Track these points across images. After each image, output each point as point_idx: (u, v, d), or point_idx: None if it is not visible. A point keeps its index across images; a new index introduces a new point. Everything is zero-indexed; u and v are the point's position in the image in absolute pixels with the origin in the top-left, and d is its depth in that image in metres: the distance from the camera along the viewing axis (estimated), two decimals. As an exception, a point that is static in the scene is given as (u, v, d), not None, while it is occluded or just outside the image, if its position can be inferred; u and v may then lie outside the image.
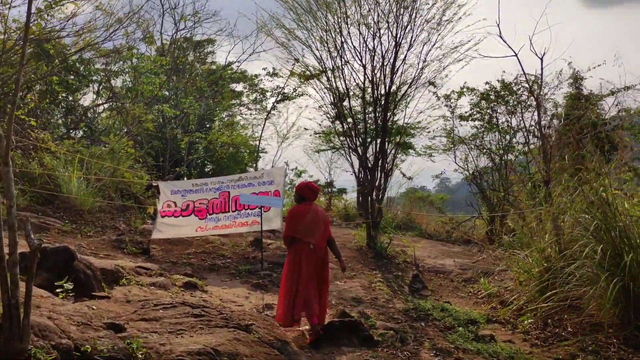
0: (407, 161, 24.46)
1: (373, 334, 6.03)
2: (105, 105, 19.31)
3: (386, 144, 11.23)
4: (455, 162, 16.82)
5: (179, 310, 5.10)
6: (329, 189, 22.88)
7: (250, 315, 5.71)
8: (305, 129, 19.57)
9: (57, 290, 4.83)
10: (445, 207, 21.08)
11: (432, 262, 10.61)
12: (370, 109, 11.59)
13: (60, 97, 16.20)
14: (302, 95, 16.66)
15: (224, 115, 24.35)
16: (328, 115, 19.33)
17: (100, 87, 18.80)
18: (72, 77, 17.09)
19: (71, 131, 15.84)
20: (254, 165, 25.12)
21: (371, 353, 5.57)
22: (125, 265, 6.99)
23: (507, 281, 8.98)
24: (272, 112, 18.03)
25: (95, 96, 18.84)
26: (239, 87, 24.34)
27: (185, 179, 18.18)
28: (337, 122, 18.57)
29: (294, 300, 5.87)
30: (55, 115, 17.14)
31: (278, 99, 17.10)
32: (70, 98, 17.20)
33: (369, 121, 11.73)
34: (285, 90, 17.02)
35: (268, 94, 17.84)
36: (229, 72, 22.14)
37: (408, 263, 10.39)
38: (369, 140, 11.57)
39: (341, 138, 20.18)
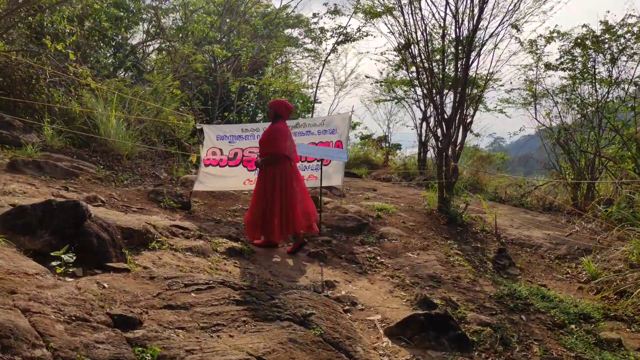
0: (475, 116, 22.44)
1: (466, 331, 4.64)
2: (155, 45, 18.26)
3: (467, 92, 9.52)
4: (536, 118, 14.87)
5: (217, 293, 3.83)
6: (386, 143, 21.28)
7: (309, 299, 4.41)
8: (367, 76, 17.87)
9: (53, 263, 3.62)
10: (505, 169, 19.21)
11: (515, 232, 9.03)
12: (451, 51, 9.86)
13: (108, 34, 15.11)
14: (366, 35, 14.89)
15: (277, 61, 22.89)
16: (390, 62, 17.67)
17: (150, 25, 17.66)
18: (121, 13, 15.98)
19: (117, 70, 14.76)
20: (309, 115, 23.71)
21: (466, 360, 4.20)
22: (158, 224, 5.79)
23: (616, 262, 7.34)
24: (332, 55, 16.33)
25: (144, 35, 17.78)
26: (294, 32, 22.75)
27: (235, 126, 17.00)
28: (404, 68, 16.86)
29: (287, 216, 6.19)
30: (104, 54, 16.11)
31: (339, 39, 15.36)
32: (119, 37, 16.15)
33: (449, 66, 10.03)
34: (348, 30, 15.25)
35: (328, 34, 16.08)
36: (283, 14, 20.46)
37: (487, 233, 8.85)
38: (445, 89, 9.88)
39: (404, 88, 18.50)
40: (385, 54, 16.75)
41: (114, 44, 16.01)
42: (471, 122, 9.75)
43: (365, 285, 5.62)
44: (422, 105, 18.05)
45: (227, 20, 19.27)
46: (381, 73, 18.16)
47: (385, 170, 18.41)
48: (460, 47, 9.44)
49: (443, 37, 9.63)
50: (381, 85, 17.94)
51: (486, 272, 6.95)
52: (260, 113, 21.67)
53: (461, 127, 9.54)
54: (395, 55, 17.02)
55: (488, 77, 9.95)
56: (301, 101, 22.85)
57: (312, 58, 24.64)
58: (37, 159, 7.00)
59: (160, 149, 10.27)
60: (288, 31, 22.68)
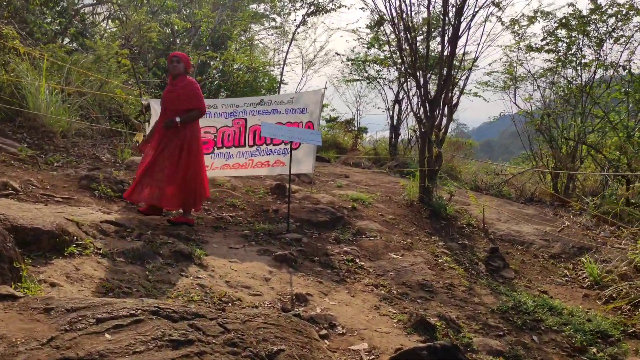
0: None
1: (476, 366, 3.63)
2: (105, 13, 16.62)
3: (452, 71, 8.49)
4: (515, 103, 14.06)
5: (146, 331, 2.67)
6: (354, 127, 20.24)
7: (276, 326, 3.30)
8: (337, 53, 16.70)
9: None
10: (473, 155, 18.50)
11: (504, 227, 8.13)
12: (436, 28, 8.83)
13: (52, -2, 13.44)
14: (339, 7, 13.68)
15: (242, 37, 21.49)
16: (362, 40, 16.52)
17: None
18: (67, -25, 14.31)
19: (58, 36, 13.15)
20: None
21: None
22: (85, 219, 4.57)
23: (617, 264, 6.51)
24: (301, 28, 15.05)
25: (94, 2, 16.11)
26: (259, 9, 21.40)
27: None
28: (376, 47, 15.74)
29: (197, 186, 5.62)
30: (45, 19, 14.42)
31: (309, 10, 14.10)
32: (64, 1, 14.47)
33: (434, 43, 9.00)
34: (320, 0, 13.99)
35: (298, 4, 14.77)
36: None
37: (474, 228, 7.92)
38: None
39: (376, 67, 17.42)
40: (357, 31, 15.64)
41: (58, 9, 14.34)
42: (457, 104, 8.74)
43: (345, 299, 4.55)
44: (395, 87, 17.21)
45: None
46: (352, 51, 16.96)
47: (355, 155, 17.41)
48: (447, 18, 8.39)
49: (429, 6, 8.55)
50: (352, 64, 16.82)
51: (480, 276, 5.99)
52: (223, 91, 20.29)
53: (446, 109, 8.54)
54: (367, 34, 15.99)
55: (477, 55, 8.92)
56: (266, 80, 21.57)
57: (278, 35, 23.38)
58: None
59: (104, 127, 8.91)
60: (253, 7, 21.32)
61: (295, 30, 15.04)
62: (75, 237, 4.07)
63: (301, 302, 4.28)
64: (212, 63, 17.99)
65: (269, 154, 7.18)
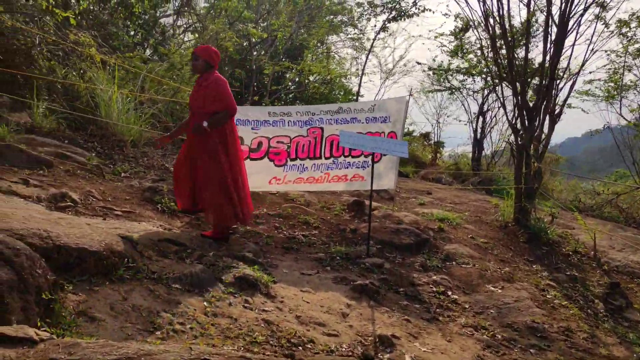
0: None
1: None
2: (184, 25, 16.70)
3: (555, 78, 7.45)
4: (620, 114, 12.61)
5: (189, 396, 2.02)
6: (433, 140, 19.24)
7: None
8: (418, 62, 15.83)
9: None
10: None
11: (619, 256, 6.96)
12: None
13: (135, 11, 13.58)
14: (423, 11, 12.86)
15: (318, 48, 21.15)
16: (445, 47, 15.51)
17: (180, 2, 16.08)
18: (149, -11, 14.45)
19: (138, 47, 13.20)
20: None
21: None
22: (142, 238, 4.05)
23: None
24: (381, 35, 14.31)
25: (175, 15, 16.22)
26: (336, 19, 21.01)
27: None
28: (460, 55, 14.74)
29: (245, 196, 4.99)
30: (129, 31, 14.59)
31: (390, 16, 13.37)
32: (147, 15, 14.61)
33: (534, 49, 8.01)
34: (402, 4, 13.22)
35: (378, 9, 14.05)
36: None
37: (582, 256, 6.83)
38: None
39: (459, 77, 16.34)
40: (440, 37, 14.72)
41: (141, 22, 14.48)
42: (560, 114, 7.68)
43: (440, 345, 3.73)
44: (479, 97, 16.09)
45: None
46: (434, 60, 16.06)
47: (434, 170, 16.41)
48: (549, 18, 7.39)
49: (528, 4, 7.58)
50: (434, 74, 15.88)
51: (599, 318, 4.97)
52: (298, 103, 19.94)
53: (547, 119, 7.51)
54: (450, 41, 15.02)
55: (586, 57, 7.83)
56: (342, 92, 21.07)
57: (354, 47, 22.90)
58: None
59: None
60: (329, 17, 20.95)
61: (375, 37, 14.37)
62: (127, 259, 3.53)
63: (386, 346, 3.52)
64: (287, 75, 17.67)
65: (347, 167, 6.49)
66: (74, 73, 8.62)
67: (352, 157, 6.49)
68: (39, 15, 8.72)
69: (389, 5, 13.32)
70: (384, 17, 13.81)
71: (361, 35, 20.08)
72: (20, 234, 3.09)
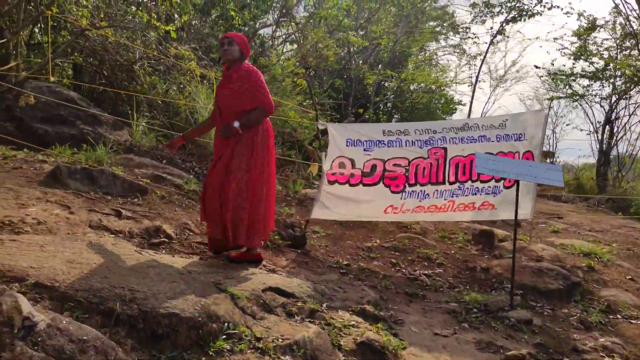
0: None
1: None
2: (283, 35, 16.39)
3: None
4: None
5: None
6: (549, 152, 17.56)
7: None
8: (536, 66, 14.37)
9: None
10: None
11: None
12: None
13: (235, 24, 13.39)
14: (550, 8, 11.50)
15: (419, 56, 20.16)
16: (566, 50, 13.91)
17: (279, 13, 15.76)
18: (249, 0, 14.24)
19: (238, 60, 12.91)
20: (448, 119, 20.63)
21: None
22: (242, 289, 3.35)
23: None
24: (499, 36, 13.02)
25: (274, 26, 15.94)
26: (437, 26, 19.95)
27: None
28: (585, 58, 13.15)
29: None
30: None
31: (509, 16, 12.11)
32: (246, 27, 14.41)
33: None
34: (525, 2, 11.92)
35: (496, 9, 12.80)
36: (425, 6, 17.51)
37: None
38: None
39: (583, 82, 14.65)
40: (559, 39, 13.24)
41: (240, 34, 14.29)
42: None
43: None
44: (606, 105, 14.34)
45: (365, 7, 16.87)
46: (552, 64, 14.51)
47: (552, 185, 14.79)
48: None
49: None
50: (552, 79, 14.34)
51: None
52: (396, 113, 19.02)
53: None
54: (571, 43, 13.45)
55: None
56: (442, 101, 19.92)
57: (457, 53, 21.71)
58: (91, 167, 4.94)
59: (276, 154, 7.99)
60: (431, 24, 19.94)
61: (491, 40, 13.08)
62: (227, 323, 2.83)
63: None
64: (386, 84, 16.85)
65: (475, 194, 5.51)
66: (174, 88, 8.33)
67: (481, 181, 5.51)
68: (141, 30, 8.53)
69: (509, 5, 12.07)
70: (501, 18, 12.56)
71: (464, 41, 18.86)
72: (100, 295, 2.48)
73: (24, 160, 5.13)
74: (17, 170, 4.70)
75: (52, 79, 5.11)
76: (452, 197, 5.49)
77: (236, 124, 3.83)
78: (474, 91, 14.56)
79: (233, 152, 3.87)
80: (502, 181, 5.49)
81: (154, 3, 11.22)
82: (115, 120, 7.47)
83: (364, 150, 5.42)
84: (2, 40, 5.86)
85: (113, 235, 3.84)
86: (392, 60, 16.76)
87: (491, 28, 12.93)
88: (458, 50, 20.91)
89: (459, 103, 21.13)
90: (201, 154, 7.10)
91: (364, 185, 5.34)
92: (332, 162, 5.31)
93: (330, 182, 5.32)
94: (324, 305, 3.65)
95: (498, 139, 5.58)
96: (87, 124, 7.09)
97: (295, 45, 15.82)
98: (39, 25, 9.22)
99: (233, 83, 3.91)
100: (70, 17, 7.45)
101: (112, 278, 2.73)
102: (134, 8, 9.88)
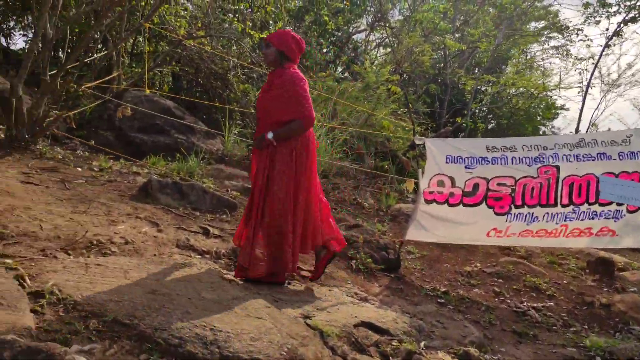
0: None
1: None
2: (377, 40, 16.06)
3: None
4: None
5: None
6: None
7: None
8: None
9: None
10: None
11: None
12: None
13: (328, 29, 13.28)
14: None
15: (520, 59, 19.02)
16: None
17: (374, 17, 15.43)
18: (342, 5, 14.07)
19: (330, 65, 12.78)
20: (549, 126, 19.31)
21: None
22: (331, 325, 3.06)
23: None
24: (615, 38, 11.87)
25: (367, 30, 15.65)
26: (539, 26, 18.71)
27: (463, 136, 13.78)
28: None
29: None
30: (321, 49, 14.34)
31: (629, 15, 11.00)
32: (340, 32, 14.24)
33: None
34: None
35: (612, 8, 11.67)
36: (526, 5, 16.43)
37: None
38: None
39: None
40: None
41: (333, 39, 14.14)
42: None
43: None
44: None
45: (462, 8, 16.14)
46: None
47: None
48: None
49: None
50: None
51: None
52: (492, 119, 18.05)
53: None
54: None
55: None
56: (543, 105, 18.64)
57: (559, 55, 20.27)
58: (181, 181, 4.87)
59: (368, 165, 7.69)
60: (533, 25, 18.76)
61: (607, 42, 11.95)
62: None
63: None
64: (482, 88, 16.00)
65: (592, 218, 4.87)
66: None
67: (600, 204, 4.86)
68: (235, 38, 8.54)
69: (628, 4, 10.95)
70: (618, 18, 11.43)
71: (572, 43, 17.56)
72: (179, 336, 2.28)
73: (119, 172, 5.18)
74: (111, 184, 4.73)
75: (147, 91, 5.12)
76: (565, 221, 4.88)
77: (270, 135, 3.41)
78: (584, 97, 13.36)
79: (266, 170, 3.46)
80: (625, 204, 4.83)
81: (249, 10, 11.34)
82: (209, 129, 7.50)
83: (465, 167, 4.96)
84: (102, 54, 6.00)
85: (199, 256, 3.70)
86: (491, 64, 15.92)
87: (606, 29, 11.79)
88: (561, 53, 19.55)
89: (562, 108, 19.74)
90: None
91: (465, 205, 4.88)
92: (430, 179, 4.91)
93: (428, 202, 4.91)
94: (422, 344, 3.28)
95: (621, 157, 4.89)
96: (181, 133, 7.16)
97: (388, 50, 15.44)
98: (142, 34, 9.55)
99: (273, 90, 3.48)
100: (169, 28, 7.58)
101: (194, 313, 2.54)
102: (230, 16, 10.00)
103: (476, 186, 4.91)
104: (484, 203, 4.90)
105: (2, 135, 5.43)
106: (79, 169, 5.03)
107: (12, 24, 9.99)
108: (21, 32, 10.15)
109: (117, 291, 2.60)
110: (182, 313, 2.51)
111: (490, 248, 5.67)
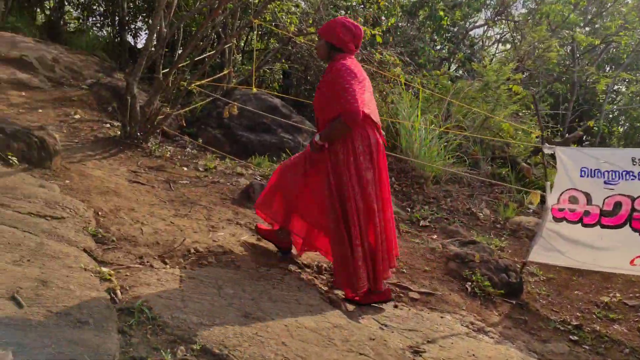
0: None
1: None
2: (496, 36, 15.06)
3: None
4: None
5: None
6: None
7: None
8: None
9: None
10: None
11: None
12: None
13: (444, 24, 12.64)
14: None
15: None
16: None
17: (494, 12, 14.47)
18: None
19: (444, 62, 12.13)
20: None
21: None
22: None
23: None
24: None
25: (485, 26, 14.72)
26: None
27: (592, 141, 12.50)
28: None
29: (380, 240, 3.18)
30: (435, 46, 13.69)
31: None
32: (456, 27, 13.51)
33: None
34: None
35: None
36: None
37: None
38: None
39: None
40: None
41: (448, 35, 13.44)
42: None
43: None
44: None
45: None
46: None
47: None
48: None
49: None
50: None
51: None
52: (626, 121, 16.28)
53: None
54: None
55: None
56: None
57: None
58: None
59: (484, 172, 7.07)
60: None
61: None
62: None
63: None
64: (616, 87, 14.44)
65: None
66: (376, 95, 7.88)
67: None
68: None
69: None
70: None
71: None
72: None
73: (223, 173, 5.08)
74: (214, 185, 4.62)
75: (254, 90, 4.98)
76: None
77: (317, 137, 3.17)
78: None
79: (319, 173, 3.24)
80: None
81: (362, 6, 11.02)
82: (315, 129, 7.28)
83: (605, 183, 4.26)
84: (214, 51, 5.96)
85: (299, 270, 3.43)
86: (633, 60, 14.33)
87: None
88: None
89: None
90: (400, 169, 6.52)
91: (604, 227, 4.19)
92: (561, 195, 4.27)
93: (557, 220, 4.28)
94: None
95: None
96: (288, 132, 7.00)
97: (507, 46, 14.42)
98: (253, 32, 9.59)
99: (322, 86, 3.23)
100: (279, 25, 7.46)
101: (290, 345, 2.25)
102: (342, 12, 9.74)
103: (618, 205, 4.20)
104: (628, 225, 4.17)
105: (118, 132, 5.56)
106: (185, 169, 4.99)
107: (139, 24, 10.53)
108: (146, 31, 10.66)
109: (209, 312, 2.38)
110: (277, 344, 2.24)
111: (632, 276, 4.90)
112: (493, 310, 3.80)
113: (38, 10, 10.29)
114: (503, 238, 5.42)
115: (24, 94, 6.14)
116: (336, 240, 3.14)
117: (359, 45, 3.29)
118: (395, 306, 3.35)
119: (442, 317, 3.35)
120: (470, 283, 3.97)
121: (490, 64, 8.74)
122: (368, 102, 3.16)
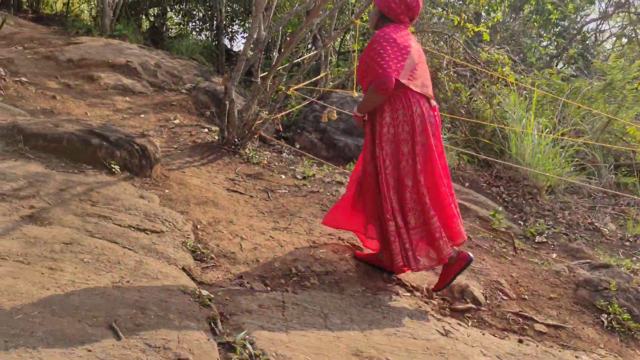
0: None
1: None
2: (611, 29, 13.79)
3: None
4: None
5: None
6: None
7: None
8: None
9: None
10: None
11: None
12: None
13: (552, 18, 11.76)
14: None
15: None
16: None
17: (611, 4, 13.22)
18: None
19: (554, 60, 11.25)
20: None
21: None
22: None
23: None
24: None
25: (599, 19, 13.52)
26: None
27: None
28: None
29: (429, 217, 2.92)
30: (541, 42, 12.75)
31: None
32: (566, 21, 12.51)
33: None
34: None
35: None
36: None
37: None
38: None
39: None
40: None
41: (557, 29, 12.47)
42: None
43: None
44: None
45: None
46: None
47: None
48: None
49: None
50: None
51: None
52: None
53: None
54: None
55: None
56: None
57: None
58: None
59: (607, 182, 6.33)
60: None
61: None
62: None
63: None
64: None
65: None
66: (480, 97, 7.34)
67: None
68: (449, 33, 7.77)
69: None
70: None
71: None
72: None
73: (321, 181, 4.83)
74: (313, 195, 4.38)
75: (355, 94, 4.69)
76: None
77: (355, 110, 3.10)
78: None
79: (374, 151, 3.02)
80: None
81: (460, 2, 10.45)
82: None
83: None
84: (312, 54, 5.75)
85: (408, 294, 3.09)
86: None
87: None
88: None
89: None
90: (509, 178, 5.97)
91: None
92: None
93: None
94: None
95: None
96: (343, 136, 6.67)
97: (623, 41, 13.16)
98: (349, 33, 9.33)
99: (362, 55, 3.04)
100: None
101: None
102: (440, 9, 9.26)
103: None
104: None
105: (216, 137, 5.49)
106: (282, 176, 4.80)
107: (236, 27, 10.64)
108: (243, 34, 10.76)
109: (317, 349, 2.11)
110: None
111: None
112: (636, 349, 3.25)
113: (143, 17, 10.69)
114: (635, 259, 4.76)
115: (128, 99, 6.26)
116: (375, 217, 3.06)
117: (414, 18, 3.08)
118: (520, 341, 2.93)
119: (576, 358, 2.88)
120: (606, 315, 3.43)
121: (615, 61, 7.89)
122: (412, 71, 2.88)
